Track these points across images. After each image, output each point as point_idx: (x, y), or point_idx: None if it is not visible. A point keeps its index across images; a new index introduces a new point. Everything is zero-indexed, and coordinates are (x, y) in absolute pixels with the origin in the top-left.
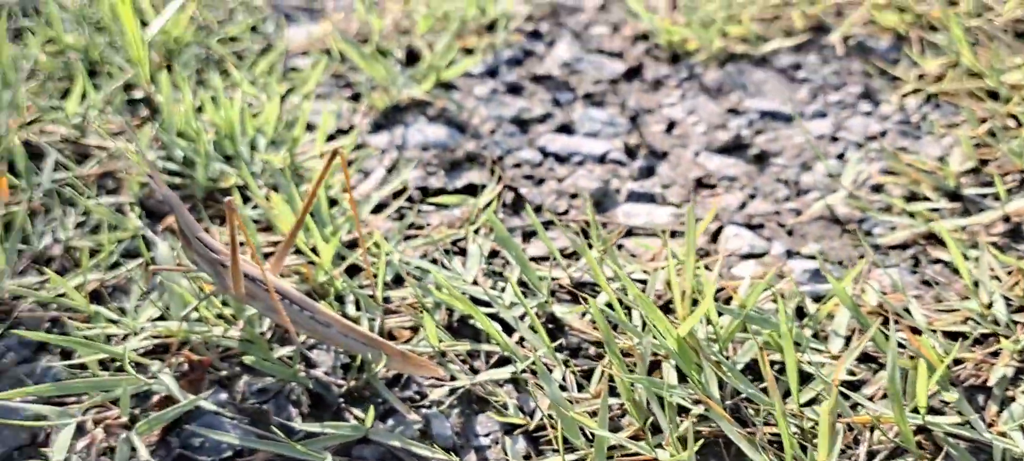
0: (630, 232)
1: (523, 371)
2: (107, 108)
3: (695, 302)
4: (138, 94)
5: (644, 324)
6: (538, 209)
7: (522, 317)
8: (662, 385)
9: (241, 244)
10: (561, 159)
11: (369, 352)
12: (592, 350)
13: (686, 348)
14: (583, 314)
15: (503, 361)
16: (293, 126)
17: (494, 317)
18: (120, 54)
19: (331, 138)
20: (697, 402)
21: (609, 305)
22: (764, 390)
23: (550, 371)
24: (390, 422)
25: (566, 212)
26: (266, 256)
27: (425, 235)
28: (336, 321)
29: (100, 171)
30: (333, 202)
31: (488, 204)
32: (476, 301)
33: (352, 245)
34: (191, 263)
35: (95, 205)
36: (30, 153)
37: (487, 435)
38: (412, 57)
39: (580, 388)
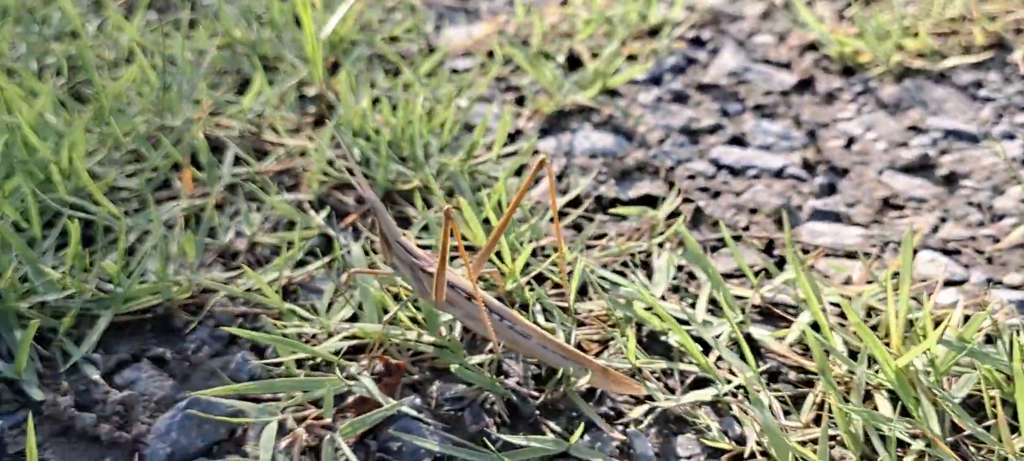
0: (811, 251)
1: (726, 394)
2: (280, 105)
3: (907, 329)
4: (309, 91)
5: (851, 352)
6: (715, 224)
7: (719, 336)
8: (883, 417)
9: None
10: (735, 172)
11: (570, 367)
12: (792, 375)
13: (904, 380)
14: (782, 337)
15: (701, 382)
16: (467, 129)
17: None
18: (291, 51)
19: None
20: (915, 436)
21: (813, 327)
22: (987, 428)
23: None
24: (588, 438)
25: (747, 228)
26: (452, 260)
27: (604, 246)
28: (535, 332)
29: (278, 167)
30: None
31: (669, 216)
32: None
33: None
34: (390, 267)
35: (278, 201)
36: (210, 147)
37: (689, 458)
38: (573, 62)
39: (786, 415)
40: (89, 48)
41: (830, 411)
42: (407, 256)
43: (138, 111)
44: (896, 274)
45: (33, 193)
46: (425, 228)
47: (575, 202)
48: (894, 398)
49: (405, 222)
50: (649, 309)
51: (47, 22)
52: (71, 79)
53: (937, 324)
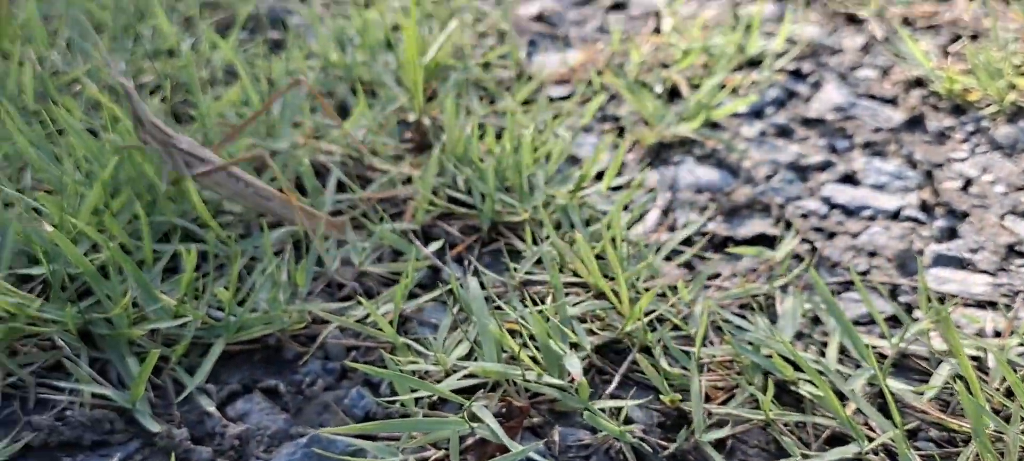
0: (941, 299)
1: (868, 452)
2: (380, 130)
3: None
4: (404, 115)
5: (994, 409)
6: (834, 266)
7: (854, 389)
8: None
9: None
10: (850, 212)
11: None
12: (933, 432)
13: None
14: (922, 392)
15: (838, 438)
16: (571, 160)
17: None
18: (386, 74)
19: (600, 176)
20: None
21: (959, 379)
22: None
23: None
24: None
25: (867, 272)
26: (565, 294)
27: (720, 286)
28: (273, 193)
29: (382, 195)
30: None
31: (787, 257)
32: (796, 366)
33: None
34: (142, 143)
35: (384, 230)
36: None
37: None
38: (671, 92)
39: None
40: (186, 66)
41: None
42: (160, 134)
43: (248, 136)
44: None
45: (145, 214)
46: (538, 262)
47: (685, 239)
48: None
49: (515, 255)
50: (777, 357)
51: (140, 40)
52: (172, 97)
53: None
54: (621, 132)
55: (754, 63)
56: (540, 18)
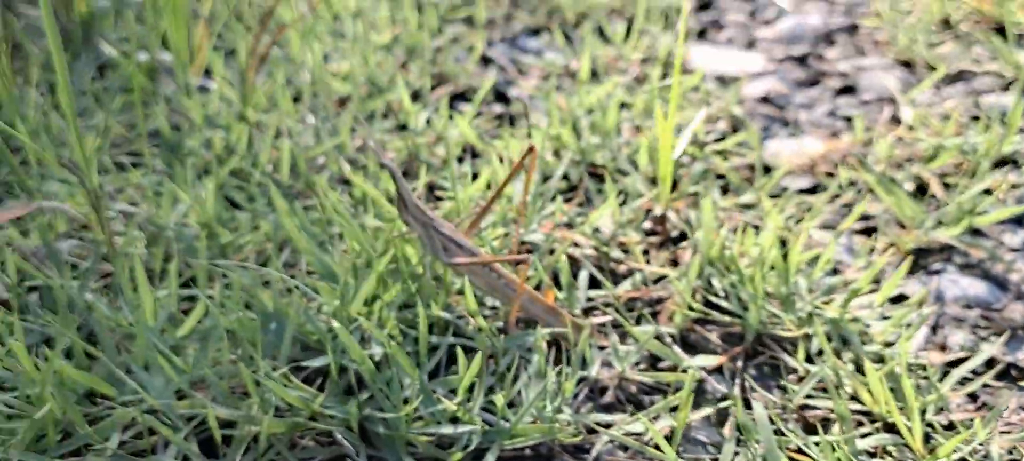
0: None
1: None
2: (628, 224)
3: None
4: (644, 203)
5: None
6: None
7: None
8: None
9: None
10: None
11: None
12: None
13: None
14: None
15: None
16: (830, 265)
17: None
18: (620, 158)
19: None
20: None
21: None
22: None
23: None
24: None
25: None
26: (858, 424)
27: (1009, 422)
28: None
29: (635, 293)
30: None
31: None
32: None
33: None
34: (404, 224)
35: (642, 334)
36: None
37: None
38: (919, 189)
39: None
40: (426, 142)
41: None
42: (423, 216)
43: (495, 220)
44: None
45: (423, 306)
46: (824, 391)
47: (954, 359)
48: None
49: (782, 369)
50: None
51: (372, 115)
52: (411, 174)
53: None
54: (869, 232)
55: (1008, 161)
56: (766, 100)
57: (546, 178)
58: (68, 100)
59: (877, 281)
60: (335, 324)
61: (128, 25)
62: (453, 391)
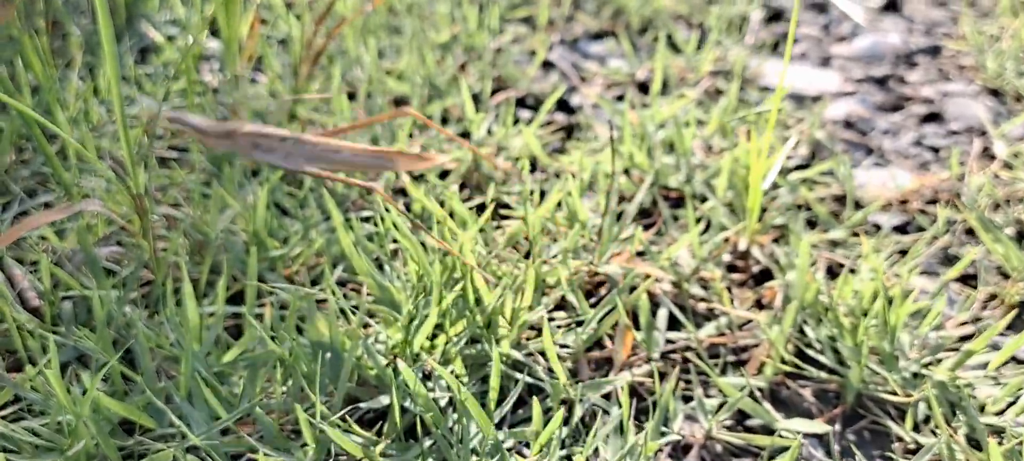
0: None
1: None
2: (710, 258)
3: None
4: (725, 234)
5: None
6: None
7: None
8: None
9: None
10: None
11: None
12: None
13: None
14: None
15: None
16: (938, 320)
17: None
18: (692, 181)
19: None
20: None
21: None
22: None
23: None
24: None
25: None
26: None
27: None
28: None
29: (720, 339)
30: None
31: None
32: None
33: None
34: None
35: (727, 385)
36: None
37: None
38: (1019, 235)
39: None
40: (486, 153)
41: None
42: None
43: (563, 250)
44: None
45: (496, 351)
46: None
47: None
48: None
49: (875, 437)
50: None
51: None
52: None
53: None
54: (965, 279)
55: None
56: (848, 124)
57: (620, 199)
58: (117, 91)
59: (993, 345)
60: (400, 363)
61: (174, 7)
62: (526, 444)
